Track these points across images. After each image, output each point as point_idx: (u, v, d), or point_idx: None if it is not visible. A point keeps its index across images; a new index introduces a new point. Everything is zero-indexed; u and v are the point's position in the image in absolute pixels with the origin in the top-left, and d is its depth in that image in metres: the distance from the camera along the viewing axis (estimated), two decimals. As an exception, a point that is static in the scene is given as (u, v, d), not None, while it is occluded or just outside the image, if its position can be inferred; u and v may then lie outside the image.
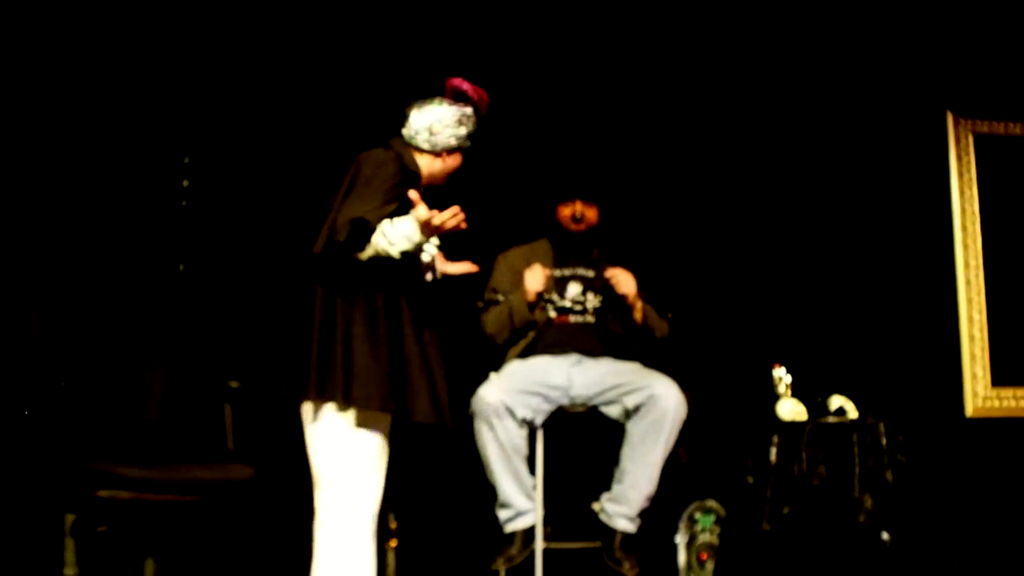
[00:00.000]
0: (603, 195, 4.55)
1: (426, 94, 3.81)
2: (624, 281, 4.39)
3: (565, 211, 4.52)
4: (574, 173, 4.56)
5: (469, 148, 3.85)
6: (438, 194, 3.82)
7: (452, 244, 4.85)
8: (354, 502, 3.55)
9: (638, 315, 4.45)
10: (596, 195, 4.52)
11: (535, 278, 4.42)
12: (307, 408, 3.58)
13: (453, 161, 3.84)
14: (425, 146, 3.77)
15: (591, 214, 4.52)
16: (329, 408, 3.52)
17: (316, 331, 3.50)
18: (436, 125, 3.77)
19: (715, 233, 5.34)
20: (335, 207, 3.54)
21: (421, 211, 3.42)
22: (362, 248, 3.45)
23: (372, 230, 3.44)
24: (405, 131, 3.79)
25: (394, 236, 3.44)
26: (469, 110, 3.84)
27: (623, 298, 4.39)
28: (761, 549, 4.58)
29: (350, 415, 3.52)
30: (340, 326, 3.50)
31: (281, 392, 3.53)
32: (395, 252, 3.45)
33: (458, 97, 3.84)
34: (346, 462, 3.54)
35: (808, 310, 5.29)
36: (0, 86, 4.60)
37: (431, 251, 3.70)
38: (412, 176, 3.66)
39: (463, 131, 3.81)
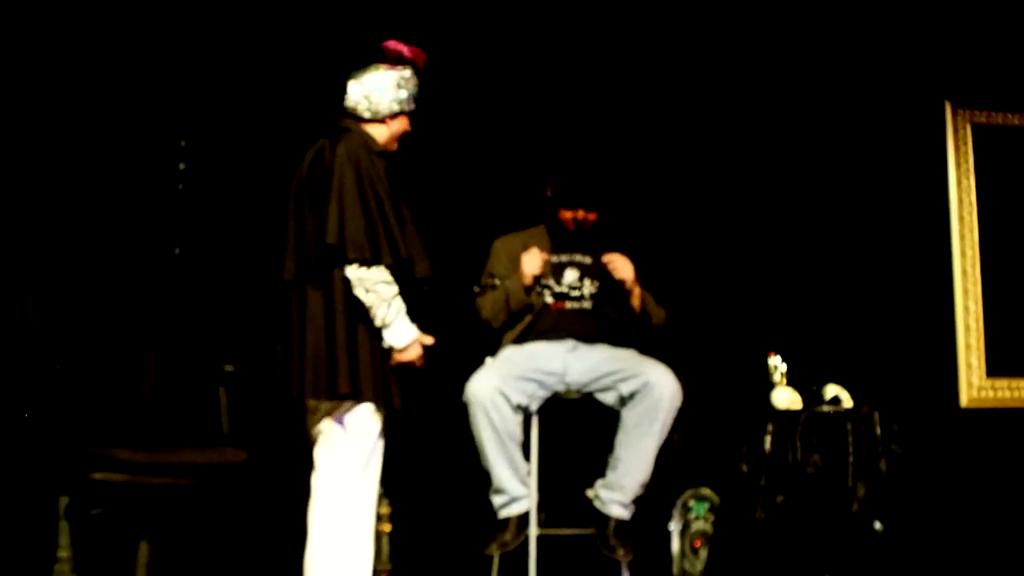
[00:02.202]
0: (606, 202, 4.54)
1: (364, 63, 3.83)
2: (621, 266, 4.39)
3: (567, 215, 4.51)
4: (579, 184, 4.52)
5: (416, 111, 3.87)
6: (393, 160, 3.83)
7: (450, 228, 4.87)
8: (355, 490, 3.60)
9: (636, 301, 4.44)
10: (599, 204, 4.51)
11: (532, 262, 4.41)
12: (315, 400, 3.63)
13: (399, 125, 3.85)
14: (366, 115, 3.79)
15: (592, 217, 4.51)
16: (335, 402, 3.57)
17: (343, 330, 3.54)
18: (374, 93, 3.78)
19: (712, 221, 5.34)
20: (334, 204, 3.56)
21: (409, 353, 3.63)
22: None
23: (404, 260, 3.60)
24: (346, 103, 3.80)
25: (392, 320, 3.57)
26: (408, 72, 3.83)
27: (620, 283, 4.39)
28: (755, 537, 4.58)
29: (360, 408, 3.57)
30: (344, 322, 3.54)
31: (284, 388, 3.56)
32: (382, 320, 3.56)
33: (395, 61, 3.84)
34: (351, 450, 3.59)
35: (804, 299, 5.30)
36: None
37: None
38: (381, 155, 3.71)
39: (403, 94, 3.82)
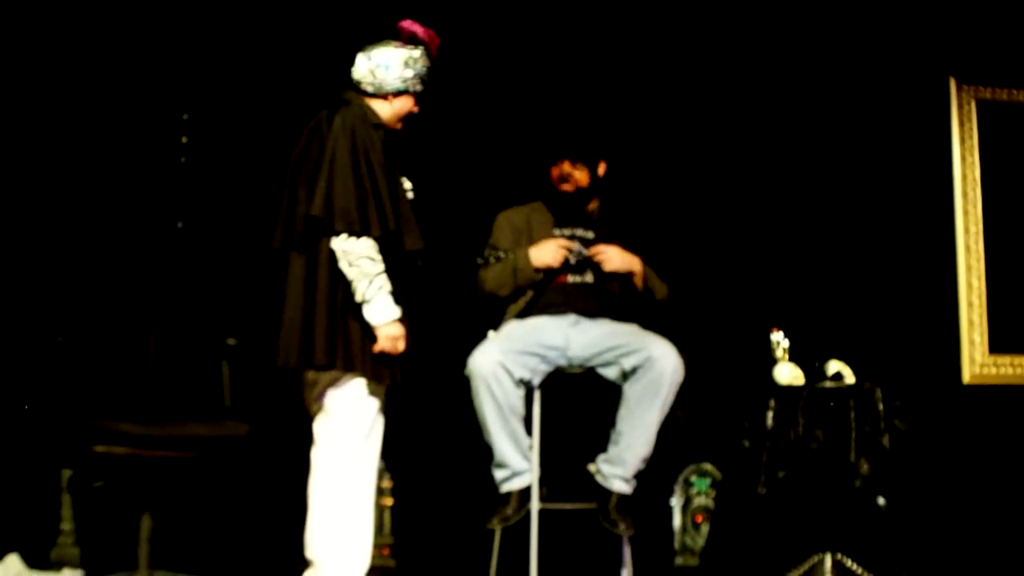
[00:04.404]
0: (593, 156, 4.51)
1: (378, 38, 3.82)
2: (609, 259, 4.37)
3: (554, 172, 4.49)
4: (561, 134, 4.52)
5: (424, 92, 3.86)
6: (396, 133, 3.82)
7: (452, 203, 4.86)
8: (353, 464, 3.61)
9: (638, 280, 4.43)
10: (584, 156, 4.48)
11: (550, 254, 4.38)
12: (312, 372, 3.64)
13: (402, 104, 3.84)
14: (369, 89, 3.79)
15: (580, 175, 4.48)
16: (336, 375, 3.58)
17: (324, 299, 3.54)
18: (379, 69, 3.79)
19: (715, 197, 5.33)
20: (325, 173, 3.56)
21: (387, 344, 3.58)
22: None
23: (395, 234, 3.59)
24: (353, 74, 3.80)
25: (372, 297, 3.54)
26: (417, 52, 3.83)
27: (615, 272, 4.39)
28: (756, 513, 4.59)
29: (357, 382, 3.58)
30: (326, 293, 3.55)
31: (286, 360, 3.56)
32: (362, 295, 3.53)
33: (408, 40, 3.83)
34: (349, 423, 3.60)
35: (807, 274, 5.29)
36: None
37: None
38: (378, 127, 3.71)
39: (409, 73, 3.81)
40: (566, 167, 4.47)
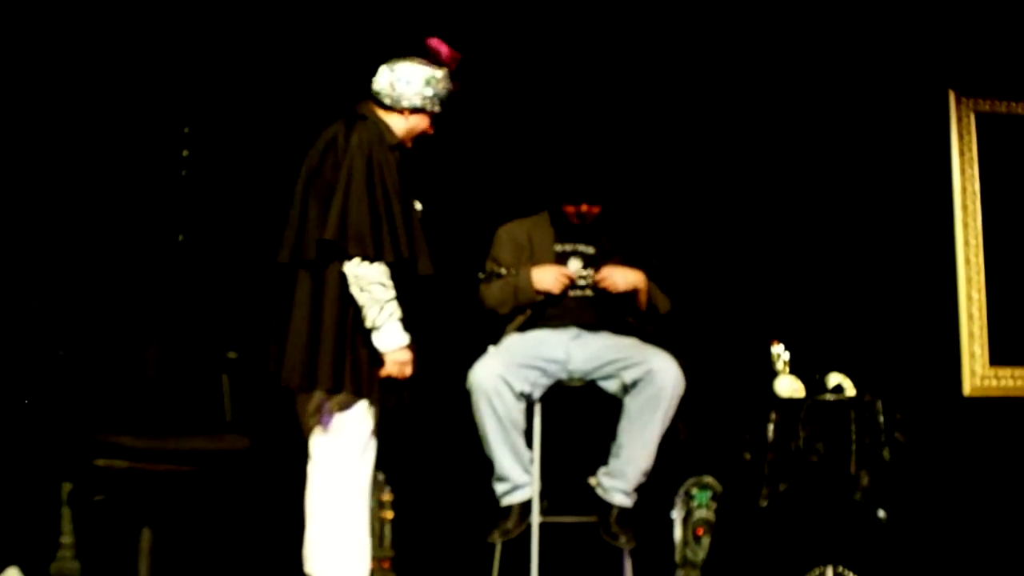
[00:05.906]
0: (608, 195, 4.52)
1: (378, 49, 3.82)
2: (615, 283, 4.37)
3: (570, 208, 4.48)
4: (581, 179, 4.50)
5: (440, 115, 3.85)
6: (407, 156, 3.82)
7: (452, 214, 4.86)
8: (349, 479, 3.60)
9: (643, 298, 4.42)
10: (602, 198, 4.49)
11: (552, 281, 4.38)
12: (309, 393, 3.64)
13: (418, 121, 3.83)
14: (387, 101, 3.78)
15: (595, 210, 4.49)
16: (332, 396, 3.58)
17: (333, 321, 3.54)
18: (400, 83, 3.78)
19: (715, 210, 5.33)
20: (340, 194, 3.55)
21: (395, 369, 3.60)
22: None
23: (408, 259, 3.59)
24: (373, 85, 3.80)
25: (382, 323, 3.53)
26: (440, 73, 3.82)
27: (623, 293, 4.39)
28: (757, 525, 4.59)
29: (347, 401, 3.58)
30: (350, 317, 3.54)
31: (289, 379, 3.56)
32: (372, 321, 3.53)
33: (432, 59, 3.83)
34: (346, 440, 3.60)
35: (807, 287, 5.29)
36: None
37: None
38: (395, 148, 3.71)
39: (429, 92, 3.80)
40: (584, 207, 4.47)
